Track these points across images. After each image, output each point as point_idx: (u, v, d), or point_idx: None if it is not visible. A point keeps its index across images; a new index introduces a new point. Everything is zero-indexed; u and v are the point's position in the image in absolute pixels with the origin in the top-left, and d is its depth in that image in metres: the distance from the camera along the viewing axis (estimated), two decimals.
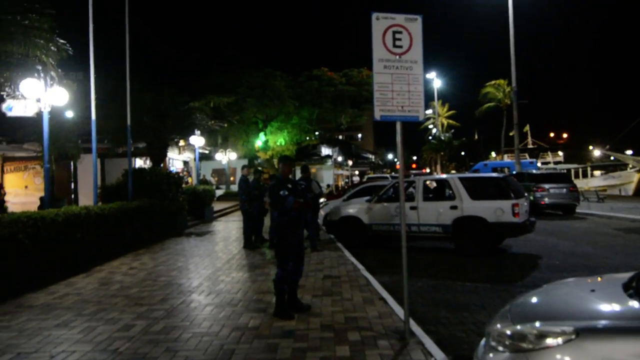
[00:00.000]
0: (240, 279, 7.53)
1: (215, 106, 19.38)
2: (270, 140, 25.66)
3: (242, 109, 22.57)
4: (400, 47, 4.61)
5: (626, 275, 3.31)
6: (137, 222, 10.81)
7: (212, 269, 8.42)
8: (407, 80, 4.62)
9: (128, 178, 12.25)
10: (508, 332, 2.92)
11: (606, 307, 2.80)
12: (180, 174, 16.11)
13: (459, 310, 5.94)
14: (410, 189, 11.02)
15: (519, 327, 2.90)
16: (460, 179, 9.82)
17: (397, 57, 4.60)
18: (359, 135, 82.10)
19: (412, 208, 9.99)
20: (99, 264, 8.92)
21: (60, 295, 6.70)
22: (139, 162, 20.51)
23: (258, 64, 24.39)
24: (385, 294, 6.33)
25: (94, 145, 11.12)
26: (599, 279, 3.46)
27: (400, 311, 5.52)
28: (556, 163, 43.82)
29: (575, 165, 38.22)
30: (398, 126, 4.68)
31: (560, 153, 58.17)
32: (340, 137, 51.82)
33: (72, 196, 18.84)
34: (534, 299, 3.28)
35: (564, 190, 17.35)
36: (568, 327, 2.62)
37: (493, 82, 39.73)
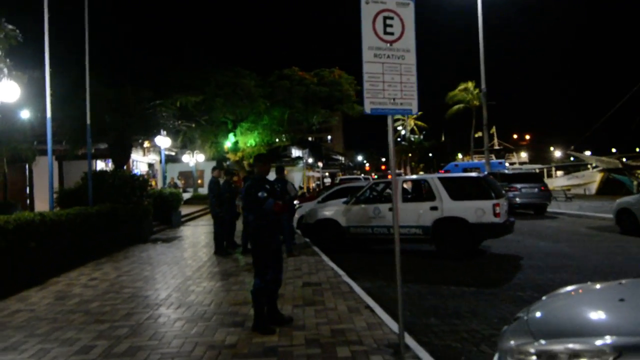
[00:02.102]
0: (213, 289, 6.97)
1: (183, 105, 18.57)
2: (240, 141, 24.93)
3: (210, 109, 21.76)
4: (392, 34, 4.23)
5: None
6: (98, 228, 10.03)
7: (182, 278, 7.81)
8: (399, 70, 4.24)
9: (88, 181, 11.41)
10: (532, 349, 2.54)
11: (638, 319, 2.46)
12: (145, 177, 15.26)
13: (448, 317, 5.61)
14: (388, 190, 10.73)
15: (545, 344, 2.53)
16: (440, 179, 9.57)
17: (389, 44, 4.22)
18: (329, 137, 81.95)
19: (391, 209, 9.62)
20: (55, 275, 8.15)
21: (10, 312, 5.98)
22: (100, 165, 19.46)
23: (227, 62, 23.78)
24: (371, 302, 5.92)
25: (49, 146, 10.27)
26: (620, 284, 3.14)
27: (390, 321, 5.13)
28: (521, 163, 44.86)
29: (540, 166, 39.20)
30: (389, 120, 4.29)
31: (524, 154, 59.77)
32: (311, 138, 51.36)
33: (28, 201, 17.64)
34: (555, 309, 2.91)
35: (536, 189, 17.53)
36: (606, 344, 2.27)
37: (462, 86, 40.27)
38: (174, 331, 5.05)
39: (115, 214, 11.10)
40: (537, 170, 27.43)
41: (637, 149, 47.38)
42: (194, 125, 20.66)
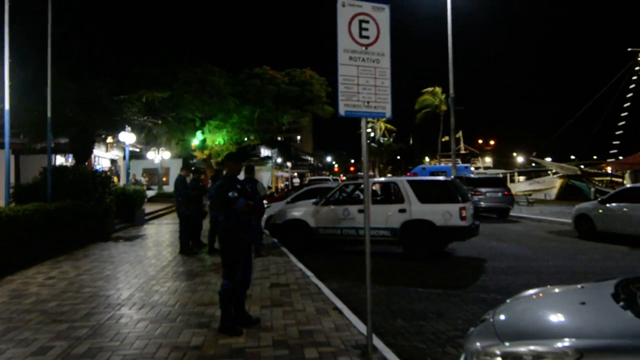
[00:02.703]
0: (178, 289, 6.81)
1: (149, 101, 18.08)
2: (208, 139, 24.49)
3: (178, 106, 21.23)
4: (367, 37, 4.25)
5: (609, 284, 3.13)
6: (57, 225, 9.64)
7: (145, 277, 7.60)
8: (374, 74, 4.26)
9: (48, 176, 10.95)
10: (497, 351, 2.60)
11: (603, 322, 2.55)
12: (108, 173, 14.77)
13: (415, 318, 5.68)
14: (357, 192, 10.79)
15: (509, 346, 2.58)
16: (410, 182, 9.69)
17: (364, 48, 4.24)
18: (298, 137, 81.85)
19: (360, 211, 9.71)
20: (10, 273, 7.78)
21: None
22: (60, 160, 18.68)
23: (196, 59, 23.21)
24: (339, 303, 5.93)
25: (6, 139, 9.81)
26: (582, 287, 3.25)
27: (357, 323, 5.15)
28: (486, 168, 46.10)
29: (504, 171, 40.36)
30: (363, 123, 4.30)
31: (488, 159, 61.41)
32: (280, 138, 51.11)
33: None
34: (520, 312, 2.98)
35: (499, 194, 18.03)
36: (569, 346, 2.34)
37: (430, 89, 41.03)
38: (136, 332, 4.90)
39: (76, 211, 10.70)
40: (501, 175, 28.24)
41: (594, 157, 49.51)
42: (160, 121, 20.16)
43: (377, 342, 4.51)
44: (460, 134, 55.28)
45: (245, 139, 26.55)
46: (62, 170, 12.19)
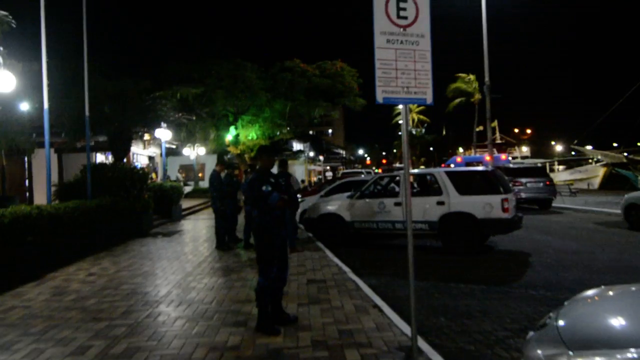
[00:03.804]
0: (215, 286, 6.76)
1: (183, 98, 18.26)
2: (241, 135, 24.60)
3: (211, 101, 21.40)
4: (405, 18, 3.97)
5: None
6: (97, 222, 9.82)
7: (182, 274, 7.60)
8: (414, 57, 3.99)
9: (87, 174, 11.18)
10: None
11: None
12: (146, 170, 15.02)
13: (459, 316, 5.40)
14: (392, 185, 10.51)
15: (576, 355, 2.31)
16: (447, 173, 9.33)
17: (402, 29, 3.96)
18: (330, 131, 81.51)
19: (397, 204, 9.45)
20: (52, 270, 7.95)
21: (4, 309, 5.78)
22: (100, 158, 19.20)
23: (227, 53, 23.31)
24: (378, 301, 5.71)
25: (46, 138, 10.02)
26: None
27: (399, 322, 4.92)
28: (523, 158, 44.56)
29: (542, 160, 38.92)
30: (403, 110, 4.04)
31: (525, 148, 59.40)
32: (312, 132, 50.97)
33: (27, 194, 17.40)
34: (587, 317, 2.68)
35: (541, 184, 17.29)
36: None
37: (464, 75, 39.85)
38: (174, 331, 4.85)
39: (115, 208, 10.88)
40: (540, 165, 27.18)
41: (639, 144, 47.04)
42: (194, 117, 20.36)
43: (421, 343, 4.28)
44: (495, 123, 53.59)
45: (278, 133, 26.54)
46: (101, 168, 12.45)
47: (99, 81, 13.72)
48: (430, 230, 9.18)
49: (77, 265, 8.47)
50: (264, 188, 4.80)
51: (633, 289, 3.00)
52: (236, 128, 24.64)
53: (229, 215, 10.05)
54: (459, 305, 5.81)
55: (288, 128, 26.81)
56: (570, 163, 37.20)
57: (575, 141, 34.92)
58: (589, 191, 26.50)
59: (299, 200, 12.75)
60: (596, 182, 28.99)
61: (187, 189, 24.54)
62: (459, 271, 7.69)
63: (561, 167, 37.45)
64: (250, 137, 24.60)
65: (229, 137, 24.94)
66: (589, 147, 39.12)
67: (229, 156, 26.93)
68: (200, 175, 29.40)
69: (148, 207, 12.78)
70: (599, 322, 2.57)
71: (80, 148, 15.68)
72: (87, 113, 11.50)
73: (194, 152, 26.21)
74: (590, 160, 32.67)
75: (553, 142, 71.31)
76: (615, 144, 53.81)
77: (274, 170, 5.51)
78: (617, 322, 2.50)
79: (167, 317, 5.31)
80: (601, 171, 29.14)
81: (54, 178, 13.06)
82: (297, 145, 39.71)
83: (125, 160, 16.06)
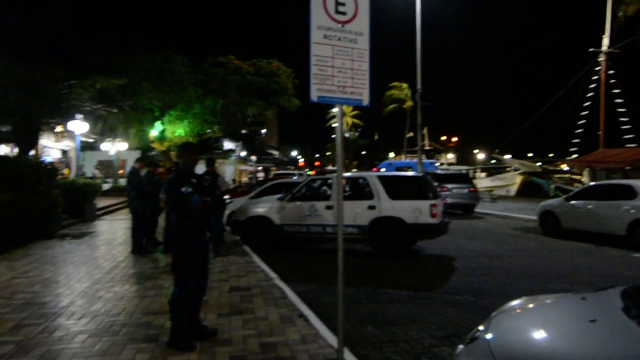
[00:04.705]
0: (125, 295, 6.12)
1: (104, 88, 16.90)
2: (167, 131, 23.31)
3: (135, 94, 19.99)
4: (344, 13, 3.74)
5: (613, 294, 2.74)
6: None
7: (89, 281, 6.84)
8: (351, 55, 3.76)
9: None
10: None
11: (621, 345, 2.14)
12: (56, 165, 13.66)
13: (386, 324, 5.25)
14: (324, 187, 10.32)
15: None
16: (380, 177, 9.28)
17: (340, 25, 3.72)
18: (263, 131, 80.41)
19: (328, 207, 9.26)
20: None
21: None
22: (3, 150, 17.29)
23: (157, 45, 22.01)
24: (305, 310, 5.43)
25: None
26: (582, 298, 2.86)
27: (326, 332, 4.67)
28: (449, 164, 46.69)
29: (466, 167, 40.94)
30: (338, 111, 3.79)
31: (451, 155, 62.38)
32: (244, 131, 49.88)
33: None
34: (520, 330, 2.55)
35: (466, 190, 17.99)
36: None
37: (397, 83, 41.04)
38: (72, 348, 4.24)
39: (16, 206, 9.70)
40: (465, 172, 28.52)
41: (550, 155, 51.02)
42: (116, 110, 18.93)
43: (347, 355, 4.04)
44: (425, 130, 55.84)
45: (208, 130, 25.53)
46: (2, 161, 11.10)
47: (4, 65, 12.28)
48: (361, 235, 9.07)
49: None
50: (183, 189, 4.34)
51: (559, 302, 2.96)
52: (162, 123, 23.34)
53: (148, 216, 9.31)
54: (386, 312, 5.68)
55: (219, 126, 25.88)
56: (491, 171, 39.42)
57: (496, 150, 37.15)
58: (508, 198, 28.17)
59: (227, 201, 12.19)
60: (514, 190, 30.90)
61: (106, 187, 22.86)
62: (387, 276, 7.62)
63: (483, 174, 39.55)
64: (177, 134, 23.41)
65: (154, 132, 23.57)
66: (508, 157, 41.71)
67: (153, 153, 25.48)
68: (120, 172, 27.59)
69: (56, 206, 11.58)
70: (527, 336, 2.47)
71: None
72: None
73: (114, 147, 24.50)
74: (508, 169, 34.79)
75: (476, 151, 75.63)
76: (530, 154, 58.08)
77: (201, 169, 5.06)
78: (551, 339, 2.39)
79: (65, 332, 4.66)
80: (518, 179, 31.12)
81: None
82: (228, 144, 38.67)
83: (33, 153, 14.54)
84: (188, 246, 4.38)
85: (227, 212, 11.08)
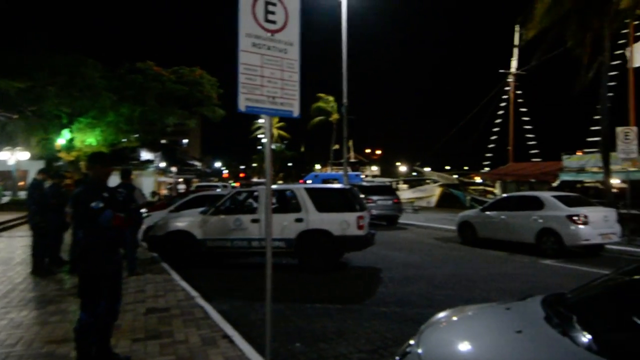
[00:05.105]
0: (24, 322, 5.40)
1: (3, 91, 15.23)
2: (77, 139, 21.49)
3: (40, 99, 18.23)
4: (274, 22, 3.61)
5: (534, 304, 2.82)
6: None
7: None
8: (281, 65, 3.64)
9: None
10: None
11: (550, 358, 2.16)
12: None
13: (315, 340, 5.10)
14: (250, 200, 10.01)
15: None
16: (307, 189, 9.17)
17: (270, 34, 3.59)
18: (185, 141, 77.65)
19: (254, 221, 8.97)
20: None
21: None
22: None
23: (68, 47, 20.38)
24: (229, 330, 5.11)
25: None
26: (507, 308, 2.92)
27: (252, 353, 4.43)
28: (374, 176, 48.04)
29: (390, 179, 42.38)
30: (266, 121, 3.61)
31: (375, 168, 64.33)
32: (164, 141, 47.72)
33: None
34: (449, 344, 2.53)
35: (390, 202, 18.48)
36: None
37: (323, 95, 41.67)
38: None
39: None
40: (389, 183, 29.51)
41: (465, 168, 54.45)
42: (16, 116, 17.12)
43: None
44: (351, 142, 57.15)
45: (124, 140, 24.00)
46: None
47: None
48: (288, 248, 8.88)
49: None
50: (93, 204, 3.89)
51: (484, 312, 3.00)
52: (71, 131, 21.50)
53: (52, 232, 8.41)
54: (315, 328, 5.53)
55: (136, 135, 24.44)
56: (413, 183, 41.13)
57: (417, 163, 38.88)
58: (428, 209, 29.50)
59: (145, 215, 11.43)
60: (433, 201, 32.45)
61: (4, 200, 20.60)
62: (315, 290, 7.49)
63: (405, 186, 41.10)
64: (87, 143, 21.68)
65: (61, 141, 21.65)
66: (428, 169, 43.84)
67: (60, 163, 23.40)
68: (21, 183, 25.05)
69: None
70: (457, 350, 2.46)
71: None
72: None
73: (14, 156, 22.18)
74: (428, 181, 36.51)
75: (398, 163, 78.71)
76: (448, 167, 61.54)
77: (115, 182, 4.59)
78: (473, 349, 2.40)
79: None
80: (438, 191, 32.75)
81: None
82: (146, 155, 36.72)
83: None
84: (97, 266, 3.92)
85: (143, 226, 10.35)
